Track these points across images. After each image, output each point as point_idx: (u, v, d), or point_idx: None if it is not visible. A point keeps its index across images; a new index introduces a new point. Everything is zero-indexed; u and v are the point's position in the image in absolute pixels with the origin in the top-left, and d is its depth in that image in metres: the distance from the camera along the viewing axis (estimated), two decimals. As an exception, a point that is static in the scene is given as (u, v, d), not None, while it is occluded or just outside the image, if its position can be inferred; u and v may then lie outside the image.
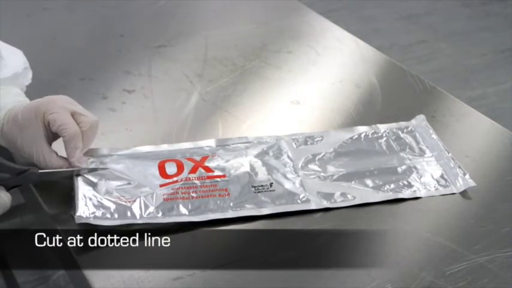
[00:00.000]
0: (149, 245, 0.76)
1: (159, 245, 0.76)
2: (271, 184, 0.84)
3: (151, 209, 0.79)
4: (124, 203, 0.79)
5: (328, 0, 3.02)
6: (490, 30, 3.08)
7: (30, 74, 0.94)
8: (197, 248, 0.76)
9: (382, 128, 0.97)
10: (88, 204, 0.78)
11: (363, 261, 0.76)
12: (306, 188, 0.84)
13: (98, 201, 0.78)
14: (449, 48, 2.92)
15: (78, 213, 0.77)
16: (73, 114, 0.81)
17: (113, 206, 0.78)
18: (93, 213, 0.77)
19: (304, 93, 1.09)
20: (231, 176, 0.84)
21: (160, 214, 0.78)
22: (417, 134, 0.95)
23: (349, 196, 0.84)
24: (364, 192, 0.85)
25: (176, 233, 0.77)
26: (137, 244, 0.76)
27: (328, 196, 0.84)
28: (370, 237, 0.80)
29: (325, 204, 0.83)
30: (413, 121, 0.98)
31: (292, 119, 1.02)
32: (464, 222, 0.83)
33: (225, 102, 1.05)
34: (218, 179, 0.84)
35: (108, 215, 0.77)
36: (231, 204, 0.81)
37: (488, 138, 1.02)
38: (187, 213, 0.79)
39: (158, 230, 0.77)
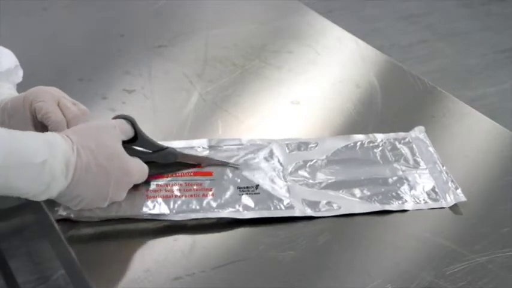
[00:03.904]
0: (149, 245, 0.76)
1: (159, 245, 0.76)
2: (256, 186, 0.83)
3: (133, 206, 0.78)
4: None
5: (328, 0, 3.03)
6: (490, 30, 3.08)
7: (21, 73, 0.94)
8: (197, 248, 0.76)
9: (379, 137, 0.95)
10: None
11: (363, 261, 0.76)
12: (292, 194, 0.83)
13: None
14: (449, 48, 2.92)
15: (59, 210, 0.77)
16: (60, 104, 0.81)
17: None
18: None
19: (304, 93, 1.09)
20: (217, 175, 0.84)
21: (142, 211, 0.78)
22: (414, 146, 0.93)
23: (334, 205, 0.82)
24: (350, 202, 0.83)
25: (176, 233, 0.77)
26: (137, 244, 0.76)
27: (313, 204, 0.82)
28: (370, 237, 0.80)
29: (309, 212, 0.81)
30: (411, 132, 0.96)
31: (292, 119, 1.02)
32: (464, 222, 0.83)
33: (225, 102, 1.05)
34: (204, 177, 0.83)
35: (89, 212, 0.77)
36: (214, 206, 0.80)
37: (488, 138, 1.01)
38: (169, 212, 0.79)
39: (158, 230, 0.77)
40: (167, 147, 0.84)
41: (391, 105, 1.06)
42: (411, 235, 0.80)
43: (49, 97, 0.81)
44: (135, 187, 0.80)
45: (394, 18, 3.13)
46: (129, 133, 0.81)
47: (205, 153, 0.89)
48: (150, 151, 0.83)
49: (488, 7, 3.27)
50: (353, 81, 1.13)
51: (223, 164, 0.86)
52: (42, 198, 0.71)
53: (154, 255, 0.75)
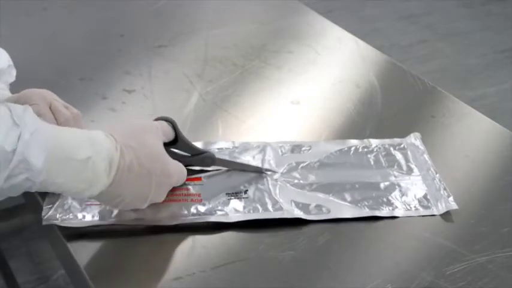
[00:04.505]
0: (149, 245, 0.76)
1: (159, 245, 0.76)
2: (245, 191, 0.83)
3: (121, 211, 0.77)
4: (93, 205, 0.78)
5: (328, 0, 3.03)
6: (490, 30, 3.08)
7: (14, 72, 0.94)
8: (197, 248, 0.76)
9: (374, 143, 0.94)
10: (58, 205, 0.78)
11: (363, 261, 0.76)
12: (282, 195, 0.83)
13: (66, 202, 0.78)
14: (449, 48, 2.93)
15: (46, 215, 0.77)
16: (52, 107, 0.81)
17: (81, 208, 0.78)
18: (60, 213, 0.77)
19: (304, 93, 1.09)
20: (206, 180, 0.84)
21: (129, 217, 0.77)
22: (409, 152, 0.92)
23: (323, 209, 0.82)
24: (340, 206, 0.82)
25: (176, 233, 0.77)
26: (137, 244, 0.76)
27: (303, 207, 0.82)
28: (370, 237, 0.80)
29: (297, 214, 0.80)
30: (407, 138, 0.95)
31: (292, 119, 1.02)
32: (464, 222, 0.83)
33: (225, 102, 1.05)
34: (193, 182, 0.83)
35: (76, 217, 0.77)
36: (202, 210, 0.79)
37: (488, 138, 1.01)
38: (156, 216, 0.78)
39: (158, 230, 0.77)
40: (205, 151, 0.84)
41: (391, 105, 1.06)
42: (411, 235, 0.80)
43: (41, 100, 0.81)
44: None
45: (394, 18, 3.13)
46: (170, 135, 0.81)
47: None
48: (189, 154, 0.83)
49: (488, 7, 3.27)
50: (353, 81, 1.13)
51: (259, 171, 0.86)
52: (84, 196, 0.71)
53: (154, 255, 0.75)
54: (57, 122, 0.80)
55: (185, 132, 0.95)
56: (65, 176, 0.67)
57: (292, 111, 1.04)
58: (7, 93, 0.88)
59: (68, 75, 1.09)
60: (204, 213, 0.79)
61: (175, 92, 1.07)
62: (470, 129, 1.03)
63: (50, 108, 0.81)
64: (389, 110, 1.05)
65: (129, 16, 1.31)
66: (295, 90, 1.10)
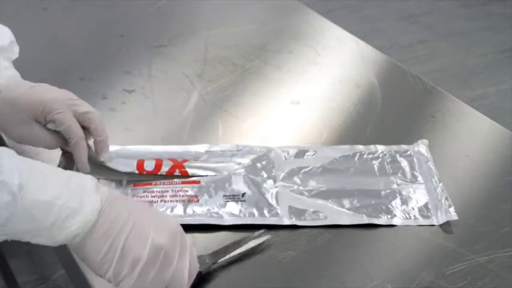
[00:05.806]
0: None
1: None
2: (243, 194, 0.82)
3: None
4: None
5: (328, 0, 3.03)
6: (490, 30, 3.08)
7: (17, 49, 0.92)
8: (197, 248, 0.76)
9: (380, 148, 0.92)
10: None
11: (363, 261, 0.76)
12: (279, 200, 0.82)
13: None
14: (449, 48, 2.93)
15: None
16: (75, 114, 0.81)
17: None
18: None
19: (304, 93, 1.09)
20: (205, 182, 0.83)
21: None
22: (414, 159, 0.90)
23: (320, 215, 0.81)
24: (337, 212, 0.81)
25: (176, 233, 0.77)
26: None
27: (299, 212, 0.81)
28: (370, 237, 0.80)
29: (294, 220, 0.80)
30: (414, 146, 0.93)
31: (292, 119, 1.02)
32: (464, 222, 0.83)
33: (225, 102, 1.05)
34: (190, 185, 0.83)
35: None
36: (198, 212, 0.79)
37: (488, 138, 1.02)
38: None
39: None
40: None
41: (391, 105, 1.06)
42: (411, 235, 0.80)
43: (65, 108, 0.80)
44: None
45: (394, 18, 3.13)
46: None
47: (204, 157, 0.88)
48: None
49: (488, 7, 3.27)
50: (353, 81, 1.13)
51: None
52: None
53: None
54: (89, 128, 0.81)
55: (185, 132, 0.95)
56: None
57: (292, 111, 1.04)
58: (12, 73, 0.87)
59: (68, 75, 1.09)
60: (200, 215, 0.79)
61: (175, 92, 1.07)
62: (470, 129, 1.03)
63: (76, 116, 0.81)
64: (389, 110, 1.05)
65: (129, 16, 1.30)
66: (295, 90, 1.09)
